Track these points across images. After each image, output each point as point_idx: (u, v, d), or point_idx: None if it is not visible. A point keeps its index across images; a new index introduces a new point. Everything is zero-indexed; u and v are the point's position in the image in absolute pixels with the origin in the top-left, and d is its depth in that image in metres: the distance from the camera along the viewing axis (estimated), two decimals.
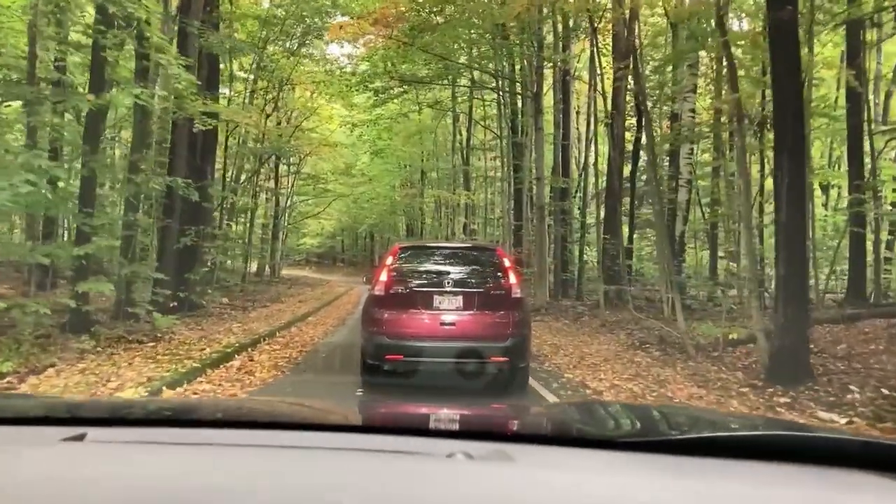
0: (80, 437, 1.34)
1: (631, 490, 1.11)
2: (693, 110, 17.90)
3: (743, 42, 9.74)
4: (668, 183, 18.30)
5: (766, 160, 16.86)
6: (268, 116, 26.21)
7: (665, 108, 20.42)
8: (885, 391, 6.83)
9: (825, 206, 25.85)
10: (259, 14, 21.69)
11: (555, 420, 2.03)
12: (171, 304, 13.93)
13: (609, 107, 18.83)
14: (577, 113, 28.61)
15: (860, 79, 13.51)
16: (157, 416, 1.73)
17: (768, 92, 13.56)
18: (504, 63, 23.58)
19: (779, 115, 7.56)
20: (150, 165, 12.18)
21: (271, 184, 32.78)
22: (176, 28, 14.75)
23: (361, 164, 40.27)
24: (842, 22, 11.19)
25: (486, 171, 33.80)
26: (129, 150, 19.95)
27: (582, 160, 28.61)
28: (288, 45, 24.83)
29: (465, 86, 27.37)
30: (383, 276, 7.26)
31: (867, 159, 15.48)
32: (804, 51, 9.73)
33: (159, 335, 10.70)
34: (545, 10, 19.11)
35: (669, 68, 17.68)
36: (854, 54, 14.67)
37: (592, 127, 23.30)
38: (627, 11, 14.42)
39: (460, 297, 7.10)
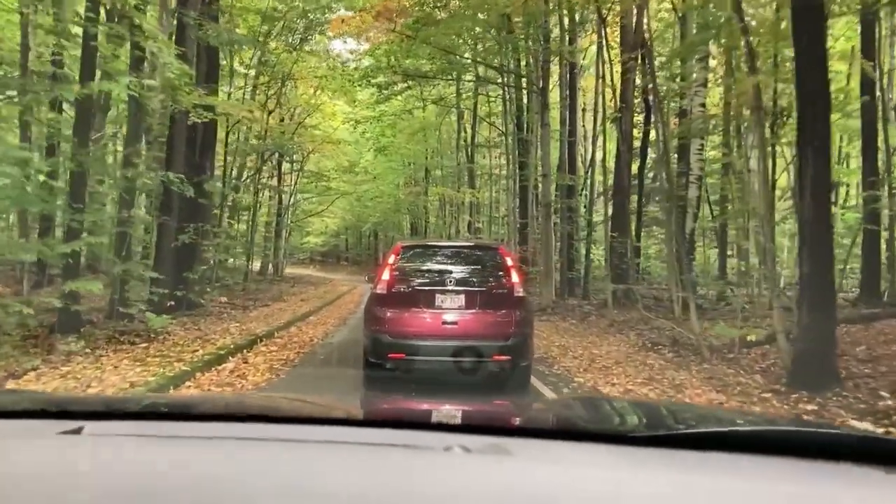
0: (78, 431, 1.33)
1: (630, 484, 1.10)
2: (703, 105, 17.44)
3: (763, 30, 9.27)
4: (678, 179, 17.88)
5: (777, 155, 16.52)
6: (270, 113, 25.85)
7: (673, 104, 20.00)
8: None
9: (835, 203, 25.39)
10: (260, 8, 21.28)
11: (554, 414, 2.02)
12: (169, 304, 13.56)
13: (617, 101, 18.37)
14: (584, 110, 28.18)
15: (874, 73, 13.10)
16: (155, 410, 1.72)
17: (780, 86, 13.27)
18: (509, 58, 23.18)
19: (803, 106, 7.13)
20: (145, 160, 11.83)
21: (274, 182, 32.40)
22: (175, 22, 14.41)
23: (365, 161, 39.90)
24: (861, 8, 10.70)
25: (490, 169, 33.38)
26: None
27: (588, 158, 28.21)
28: (290, 40, 24.45)
29: (469, 80, 26.95)
30: (385, 275, 7.24)
31: (881, 155, 15.04)
32: None
33: (153, 335, 10.33)
34: (552, 3, 18.73)
35: (677, 63, 17.28)
36: (868, 47, 14.26)
37: (600, 123, 22.86)
38: (637, 1, 13.94)
39: (462, 296, 7.10)
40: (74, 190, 10.05)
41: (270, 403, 2.20)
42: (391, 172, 40.91)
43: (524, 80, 23.04)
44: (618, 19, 18.62)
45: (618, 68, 18.77)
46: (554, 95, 23.53)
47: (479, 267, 7.53)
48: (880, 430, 5.40)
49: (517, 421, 1.87)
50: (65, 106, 17.35)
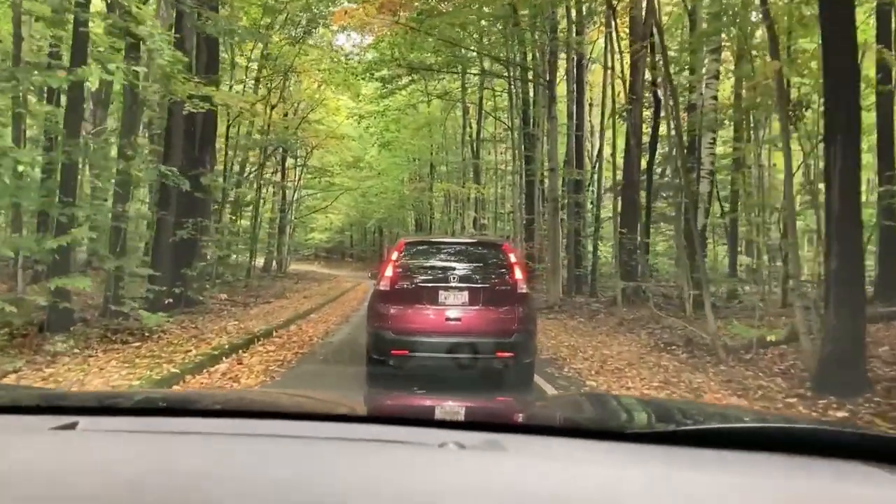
0: (72, 426, 1.33)
1: (625, 480, 1.09)
2: (715, 97, 16.98)
3: (781, 14, 8.82)
4: (688, 174, 17.47)
5: (790, 148, 16.02)
6: (273, 108, 25.48)
7: (681, 98, 19.53)
8: None
9: None
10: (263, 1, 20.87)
11: (551, 411, 2.01)
12: (167, 301, 13.22)
13: (627, 93, 17.92)
14: (591, 105, 27.76)
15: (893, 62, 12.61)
16: (151, 406, 1.70)
17: (793, 80, 12.82)
18: (515, 51, 22.74)
19: (830, 93, 6.70)
20: (139, 153, 11.45)
21: (278, 177, 32.03)
22: (175, 13, 14.03)
23: (370, 157, 39.55)
24: None
25: (496, 165, 32.98)
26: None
27: (595, 153, 27.80)
28: (294, 33, 24.05)
29: (475, 73, 26.51)
30: (389, 272, 7.20)
31: None
32: None
33: (147, 334, 9.97)
34: None
35: (685, 59, 16.84)
36: (884, 38, 13.80)
37: (608, 116, 22.43)
38: None
39: (466, 293, 7.08)
40: (65, 183, 9.67)
41: (266, 399, 2.20)
42: (396, 168, 40.59)
43: (530, 73, 22.61)
44: (627, 9, 18.15)
45: (627, 60, 18.33)
46: (560, 90, 23.09)
47: (483, 263, 7.48)
48: None
49: (514, 417, 1.85)
50: (63, 99, 17.05)
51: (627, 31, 18.81)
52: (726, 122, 17.45)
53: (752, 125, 15.26)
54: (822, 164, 14.14)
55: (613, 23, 16.13)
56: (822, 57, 6.83)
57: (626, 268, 17.24)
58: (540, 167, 22.93)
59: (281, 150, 28.77)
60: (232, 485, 1.03)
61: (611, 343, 11.23)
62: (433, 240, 8.52)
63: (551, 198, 19.61)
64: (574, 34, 19.62)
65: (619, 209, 18.02)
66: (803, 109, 9.92)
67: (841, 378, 6.53)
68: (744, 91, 16.54)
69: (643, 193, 19.49)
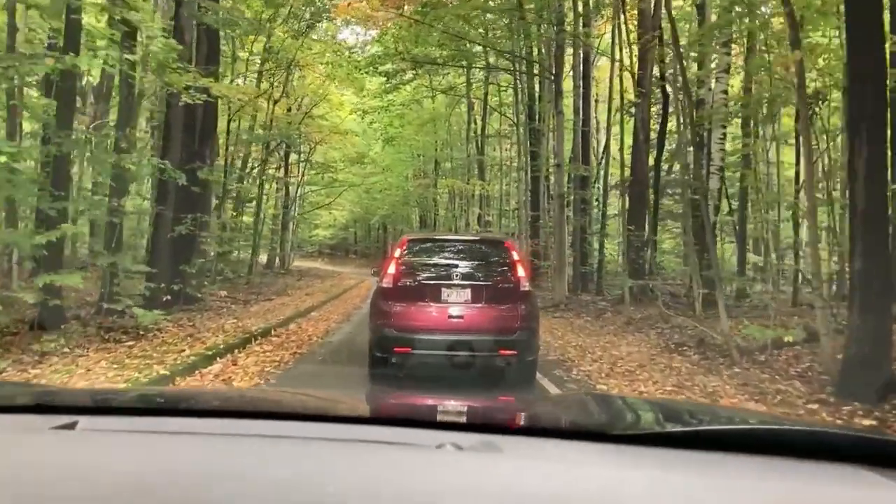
0: (72, 426, 1.32)
1: (623, 483, 1.09)
2: (725, 92, 16.62)
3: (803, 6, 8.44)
4: (699, 170, 17.15)
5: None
6: (275, 102, 25.17)
7: (684, 98, 19.15)
8: None
9: None
10: None
11: (549, 412, 2.01)
12: (165, 298, 12.93)
13: (635, 88, 17.55)
14: (596, 101, 27.40)
15: None
16: (151, 406, 1.70)
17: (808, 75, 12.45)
18: (521, 44, 22.38)
19: (855, 78, 6.35)
20: (135, 146, 11.15)
21: (281, 173, 31.70)
22: (174, 5, 13.73)
23: (373, 153, 39.26)
24: None
25: (501, 161, 32.66)
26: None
27: (601, 150, 27.46)
28: (297, 26, 23.71)
29: (480, 66, 26.17)
30: (391, 269, 7.18)
31: None
32: None
33: (142, 333, 9.68)
34: None
35: (693, 55, 16.48)
36: None
37: (616, 110, 22.07)
38: None
39: (468, 290, 7.07)
40: (57, 176, 9.37)
41: (265, 399, 2.21)
42: (400, 164, 40.33)
43: (536, 66, 22.26)
44: (636, 1, 17.76)
45: (635, 52, 17.95)
46: (566, 85, 22.74)
47: (486, 261, 7.45)
48: None
49: (513, 418, 1.83)
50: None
51: (636, 23, 18.41)
52: (736, 118, 17.06)
53: (760, 120, 14.96)
54: (829, 161, 13.88)
55: (623, 16, 15.76)
56: (847, 44, 6.48)
57: (633, 265, 16.89)
58: (545, 163, 22.60)
59: (284, 145, 28.45)
60: (232, 485, 1.02)
61: (619, 343, 10.88)
62: (436, 237, 8.49)
63: (557, 194, 19.28)
64: (581, 26, 19.25)
65: (627, 206, 17.65)
66: (820, 102, 9.55)
67: (865, 382, 6.18)
68: (753, 86, 16.23)
69: (650, 190, 19.17)
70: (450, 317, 6.91)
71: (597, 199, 25.60)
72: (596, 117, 27.72)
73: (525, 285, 7.16)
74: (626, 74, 17.73)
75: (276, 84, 24.91)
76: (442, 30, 19.37)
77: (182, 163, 13.26)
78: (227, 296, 17.06)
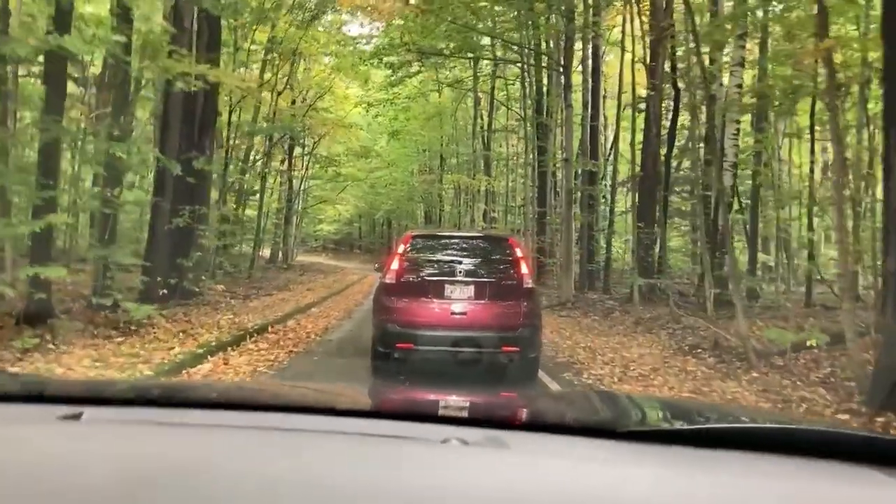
0: (77, 417, 1.31)
1: (629, 480, 1.09)
2: (740, 86, 16.16)
3: None
4: (708, 166, 16.74)
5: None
6: (279, 94, 24.78)
7: (699, 91, 18.68)
8: None
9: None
10: None
11: (554, 408, 2.02)
12: (161, 292, 12.58)
13: (647, 80, 17.12)
14: (604, 97, 26.96)
15: None
16: (157, 397, 1.67)
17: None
18: (530, 36, 21.92)
19: (891, 63, 5.90)
20: (130, 134, 10.76)
21: (285, 167, 31.31)
22: None
23: (378, 147, 38.88)
24: None
25: (507, 157, 32.24)
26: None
27: (608, 146, 27.01)
28: (302, 17, 23.30)
29: (487, 58, 25.72)
30: (395, 265, 7.20)
31: None
32: None
33: (134, 328, 9.30)
34: None
35: (705, 49, 16.04)
36: None
37: (624, 106, 21.62)
38: None
39: (472, 287, 7.08)
40: (45, 164, 8.98)
41: (271, 391, 2.21)
42: (405, 159, 39.97)
43: (545, 58, 21.80)
44: None
45: (647, 44, 17.49)
46: (575, 79, 22.30)
47: (489, 258, 7.50)
48: None
49: (518, 414, 1.83)
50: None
51: (648, 14, 17.94)
52: (751, 111, 16.62)
53: (776, 110, 14.51)
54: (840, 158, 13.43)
55: (636, 6, 15.30)
56: (883, 25, 6.03)
57: (642, 263, 16.47)
58: (552, 158, 22.19)
59: (288, 138, 28.07)
60: (236, 477, 1.01)
61: (630, 344, 10.46)
62: (440, 233, 8.54)
63: (565, 190, 18.86)
64: (591, 15, 18.81)
65: (637, 202, 17.21)
66: (845, 94, 9.11)
67: None
68: (771, 80, 15.78)
69: (661, 186, 18.74)
70: (452, 313, 6.92)
71: (604, 196, 25.19)
72: (604, 113, 27.29)
73: (528, 282, 7.16)
74: (637, 69, 17.28)
75: (280, 76, 24.53)
76: (450, 20, 18.94)
77: (181, 153, 12.89)
78: (227, 290, 16.70)
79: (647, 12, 17.23)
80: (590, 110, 21.36)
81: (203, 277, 15.46)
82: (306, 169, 35.13)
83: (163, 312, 11.03)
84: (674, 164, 22.34)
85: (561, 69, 19.03)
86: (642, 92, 17.71)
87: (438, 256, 7.46)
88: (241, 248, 24.81)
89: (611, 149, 26.72)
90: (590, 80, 21.58)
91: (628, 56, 17.22)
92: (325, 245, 62.06)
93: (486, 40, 24.52)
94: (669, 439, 1.29)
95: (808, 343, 8.12)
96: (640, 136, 17.89)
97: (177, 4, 12.53)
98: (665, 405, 2.11)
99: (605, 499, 1.02)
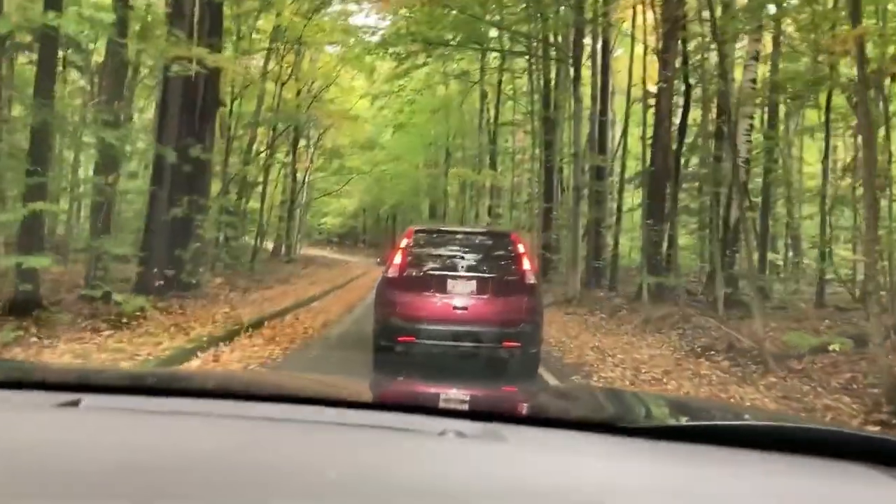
0: (75, 404, 1.31)
1: (627, 475, 1.08)
2: (754, 80, 15.74)
3: None
4: (717, 163, 16.37)
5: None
6: (283, 84, 24.43)
7: (711, 85, 18.28)
8: None
9: None
10: None
11: (553, 402, 2.02)
12: (157, 283, 12.27)
13: (660, 71, 16.70)
14: (612, 93, 26.54)
15: None
16: (156, 385, 1.69)
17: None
18: (539, 28, 21.50)
19: None
20: (129, 120, 10.42)
21: (289, 159, 30.97)
22: None
23: (384, 140, 38.56)
24: None
25: (514, 152, 31.86)
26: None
27: (616, 143, 26.61)
28: (308, 5, 22.90)
29: (494, 49, 25.33)
30: (397, 259, 7.23)
31: None
32: None
33: (125, 321, 8.97)
34: None
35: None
36: None
37: (634, 100, 21.21)
38: None
39: (474, 282, 7.10)
40: (35, 150, 8.64)
41: (272, 381, 2.25)
42: (410, 153, 39.64)
43: (554, 50, 21.39)
44: None
45: (659, 35, 17.07)
46: (583, 74, 21.90)
47: (491, 253, 7.54)
48: None
49: (517, 408, 1.78)
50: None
51: (661, 6, 17.51)
52: (765, 106, 16.22)
53: (793, 99, 14.11)
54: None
55: None
56: None
57: (651, 261, 16.08)
58: (559, 153, 21.81)
59: (292, 129, 27.73)
60: (233, 467, 1.00)
61: (640, 345, 10.08)
62: (442, 228, 8.58)
63: (574, 185, 18.48)
64: (601, 3, 18.41)
65: (646, 198, 16.81)
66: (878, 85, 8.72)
67: None
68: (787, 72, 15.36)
69: (671, 182, 18.36)
70: (454, 308, 6.95)
71: (610, 193, 24.82)
72: (613, 110, 26.89)
73: (530, 278, 7.20)
74: (649, 60, 16.87)
75: (284, 66, 24.18)
76: (458, 10, 18.55)
77: (180, 142, 12.56)
78: (227, 283, 16.40)
79: (660, 3, 16.80)
80: (598, 105, 20.95)
81: (201, 269, 15.13)
82: (311, 161, 34.78)
83: (158, 305, 10.72)
84: (682, 160, 21.97)
85: (570, 61, 18.62)
86: (651, 88, 17.33)
87: (441, 251, 7.48)
88: (244, 240, 24.52)
89: (618, 144, 26.33)
90: (599, 75, 21.17)
91: (638, 50, 16.80)
92: (330, 238, 61.83)
93: (493, 32, 24.12)
94: (671, 436, 1.27)
95: (831, 348, 7.70)
96: (649, 132, 17.51)
97: None
98: (667, 402, 2.07)
99: (601, 493, 1.00)
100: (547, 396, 2.37)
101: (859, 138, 9.05)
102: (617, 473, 1.08)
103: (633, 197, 28.36)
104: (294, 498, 0.93)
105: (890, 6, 9.21)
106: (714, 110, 15.70)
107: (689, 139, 21.02)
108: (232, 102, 20.03)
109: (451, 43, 22.03)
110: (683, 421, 1.53)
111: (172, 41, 9.33)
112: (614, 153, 25.26)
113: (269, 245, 32.95)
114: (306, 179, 36.52)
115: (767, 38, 16.67)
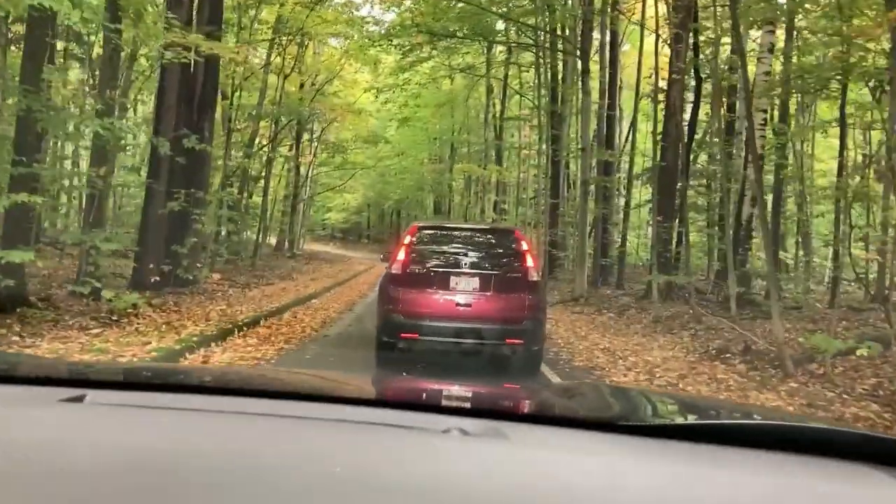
0: (80, 399, 1.31)
1: (630, 474, 1.08)
2: (768, 73, 15.31)
3: None
4: (729, 160, 15.97)
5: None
6: (286, 77, 24.05)
7: (722, 81, 17.86)
8: None
9: None
10: None
11: (557, 400, 1.98)
12: (153, 279, 11.93)
13: (671, 63, 16.27)
14: (620, 88, 26.09)
15: None
16: (160, 381, 1.68)
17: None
18: (546, 20, 21.07)
19: None
20: (122, 110, 10.06)
21: (292, 153, 30.59)
22: None
23: (388, 134, 38.19)
24: None
25: (520, 147, 31.44)
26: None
27: (624, 139, 26.18)
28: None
29: (501, 41, 24.89)
30: (401, 255, 7.22)
31: None
32: None
33: (115, 318, 8.62)
34: None
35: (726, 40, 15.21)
36: None
37: (642, 95, 20.78)
38: None
39: (477, 279, 7.11)
40: (20, 139, 8.28)
41: (274, 378, 2.24)
42: (415, 147, 39.25)
43: (561, 43, 20.94)
44: None
45: (670, 27, 16.63)
46: (592, 67, 21.47)
47: (495, 250, 7.51)
48: None
49: (520, 406, 1.79)
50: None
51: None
52: (781, 99, 15.81)
53: (812, 90, 13.70)
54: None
55: None
56: None
57: (661, 259, 15.66)
58: (566, 148, 21.39)
59: (295, 123, 27.35)
60: (236, 462, 1.00)
61: (651, 346, 9.67)
62: (446, 225, 8.63)
63: (581, 180, 18.05)
64: None
65: (657, 194, 16.37)
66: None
67: None
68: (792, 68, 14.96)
69: (682, 178, 17.93)
70: (457, 304, 6.95)
71: (618, 189, 24.40)
72: (620, 105, 26.45)
73: (533, 275, 7.19)
74: (661, 51, 16.43)
75: (287, 58, 23.80)
76: (464, 2, 18.14)
77: (178, 134, 12.22)
78: (226, 278, 16.05)
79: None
80: (606, 99, 20.53)
81: (199, 265, 14.77)
82: (314, 155, 34.41)
83: (152, 301, 10.37)
84: (691, 156, 21.55)
85: (578, 53, 18.19)
86: (661, 83, 16.91)
87: (444, 248, 7.45)
88: (245, 235, 24.19)
89: (626, 140, 25.89)
90: (607, 69, 20.75)
91: (647, 46, 16.35)
92: (334, 234, 61.51)
93: (500, 24, 23.69)
94: (674, 435, 1.26)
95: (858, 353, 7.29)
96: (658, 127, 17.10)
97: None
98: (671, 400, 2.10)
99: (604, 491, 1.00)
100: (551, 394, 2.36)
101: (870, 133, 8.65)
102: (623, 473, 1.07)
103: (641, 193, 27.96)
104: (298, 495, 0.92)
105: None
106: (725, 104, 15.30)
107: (697, 135, 20.67)
108: (233, 94, 19.66)
109: (457, 35, 21.59)
110: (687, 420, 1.53)
111: (165, 26, 8.92)
112: (622, 149, 24.85)
113: (273, 240, 32.64)
114: (310, 174, 36.16)
115: (780, 32, 16.22)
